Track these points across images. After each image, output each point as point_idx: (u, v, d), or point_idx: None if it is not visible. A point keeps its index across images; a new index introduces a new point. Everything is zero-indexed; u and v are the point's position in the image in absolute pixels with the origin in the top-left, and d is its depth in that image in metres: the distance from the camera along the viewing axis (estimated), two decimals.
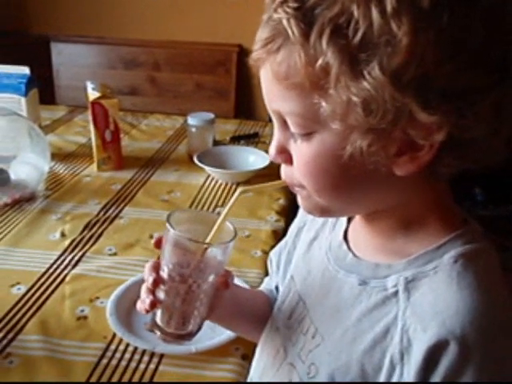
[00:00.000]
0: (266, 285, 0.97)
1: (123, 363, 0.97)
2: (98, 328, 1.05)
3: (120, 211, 1.52)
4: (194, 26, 2.94)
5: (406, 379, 0.55)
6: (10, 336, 1.02)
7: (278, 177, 0.65)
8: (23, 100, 1.84)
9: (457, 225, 0.60)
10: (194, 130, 1.85)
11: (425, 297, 0.56)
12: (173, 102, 2.94)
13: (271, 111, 0.59)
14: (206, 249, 0.70)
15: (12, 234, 1.37)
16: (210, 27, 2.92)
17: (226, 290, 0.76)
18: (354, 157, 0.53)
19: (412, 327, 0.55)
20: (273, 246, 0.94)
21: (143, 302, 0.72)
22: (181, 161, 1.89)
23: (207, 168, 1.72)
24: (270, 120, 0.62)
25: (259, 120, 2.30)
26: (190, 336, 0.76)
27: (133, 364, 0.97)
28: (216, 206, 1.57)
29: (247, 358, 0.97)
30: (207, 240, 0.71)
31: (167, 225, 0.69)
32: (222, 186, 1.69)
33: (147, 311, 0.72)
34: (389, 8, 0.46)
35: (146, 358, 0.98)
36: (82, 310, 1.10)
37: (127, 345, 1.01)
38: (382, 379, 0.57)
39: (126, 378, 0.94)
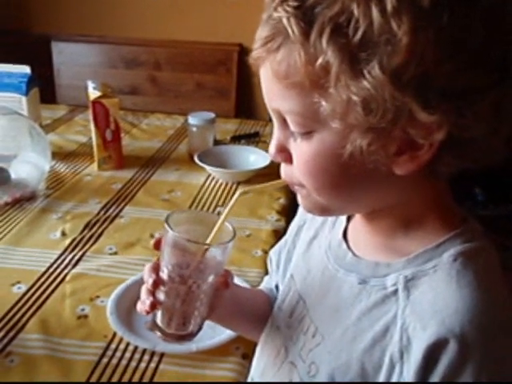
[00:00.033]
0: (266, 284, 0.97)
1: (123, 362, 0.97)
2: (98, 327, 1.05)
3: (120, 210, 1.53)
4: (194, 26, 2.93)
5: (405, 378, 0.55)
6: (11, 335, 1.02)
7: (279, 176, 0.65)
8: (24, 99, 1.85)
9: (456, 223, 0.60)
10: (194, 129, 1.85)
11: (424, 295, 0.56)
12: (173, 102, 2.94)
13: (271, 110, 0.59)
14: (207, 250, 0.70)
15: (12, 233, 1.38)
16: (211, 27, 2.92)
17: (226, 289, 0.76)
18: (354, 156, 0.53)
19: (411, 326, 0.55)
20: (273, 246, 0.94)
21: (143, 303, 0.72)
22: (181, 160, 1.89)
23: (208, 167, 1.72)
24: (271, 119, 0.62)
25: (260, 119, 2.30)
26: (190, 336, 0.76)
27: (133, 363, 0.97)
28: (217, 206, 1.57)
29: (247, 357, 0.97)
30: (207, 241, 0.71)
31: (166, 226, 0.69)
32: (223, 186, 1.69)
33: (147, 312, 0.72)
34: (389, 7, 0.46)
35: (146, 357, 0.98)
36: (83, 309, 1.10)
37: (127, 344, 1.01)
38: (381, 378, 0.57)
39: (126, 377, 0.94)
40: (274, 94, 0.57)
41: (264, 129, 2.16)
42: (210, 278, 0.73)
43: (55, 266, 1.24)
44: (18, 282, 1.18)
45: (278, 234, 1.40)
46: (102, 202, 1.56)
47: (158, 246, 0.73)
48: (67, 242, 1.34)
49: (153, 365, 0.97)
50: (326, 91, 0.51)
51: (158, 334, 0.75)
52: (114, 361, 0.97)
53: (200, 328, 0.76)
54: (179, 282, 0.72)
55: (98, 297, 1.14)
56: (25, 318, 1.07)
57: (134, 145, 2.02)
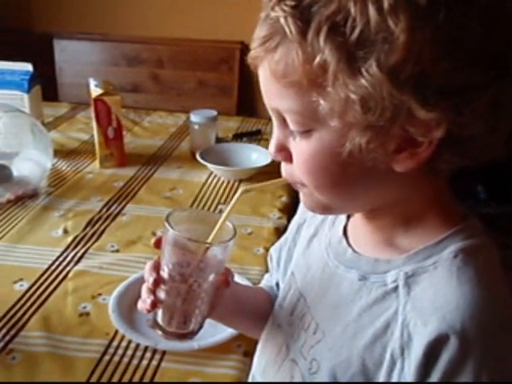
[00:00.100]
0: (266, 281, 0.97)
1: (125, 360, 0.97)
2: (100, 324, 1.06)
3: (122, 208, 1.53)
4: (196, 24, 2.93)
5: (406, 374, 0.55)
6: (13, 332, 1.02)
7: (281, 174, 0.66)
8: (26, 97, 1.85)
9: (456, 220, 0.60)
10: (196, 127, 1.85)
11: (425, 292, 0.56)
12: (175, 99, 2.94)
13: (270, 109, 0.59)
14: (207, 248, 0.70)
15: (15, 230, 1.38)
16: (213, 24, 2.91)
17: (226, 288, 0.76)
18: (353, 154, 0.53)
19: (412, 322, 0.55)
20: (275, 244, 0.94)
21: (144, 301, 0.73)
22: (183, 158, 1.89)
23: (210, 165, 1.72)
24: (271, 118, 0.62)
25: (262, 117, 2.30)
26: (191, 335, 0.76)
27: (135, 361, 0.97)
28: (218, 203, 1.57)
29: (249, 354, 0.97)
30: (209, 239, 0.71)
31: (166, 225, 0.69)
32: (225, 184, 1.69)
33: (148, 311, 0.72)
34: (386, 5, 0.46)
35: (148, 355, 0.99)
36: (85, 307, 1.10)
37: (129, 341, 1.01)
38: (382, 374, 0.57)
39: (128, 375, 0.94)
40: (272, 94, 0.57)
41: (266, 127, 2.15)
42: (211, 277, 0.73)
43: (57, 263, 1.25)
44: (20, 280, 1.18)
45: (280, 232, 1.40)
46: (104, 200, 1.56)
47: (158, 244, 0.73)
48: (69, 239, 1.34)
49: (154, 362, 0.97)
50: (324, 90, 0.51)
51: (159, 332, 0.75)
52: (116, 358, 0.98)
53: (201, 326, 0.76)
54: (180, 280, 0.72)
55: (99, 294, 1.14)
56: (27, 316, 1.07)
57: (135, 142, 2.02)
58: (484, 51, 0.48)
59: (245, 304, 0.85)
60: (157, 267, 0.73)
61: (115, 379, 0.93)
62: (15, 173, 1.58)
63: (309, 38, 0.49)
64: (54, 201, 1.55)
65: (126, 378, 0.94)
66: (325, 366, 0.63)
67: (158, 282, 0.72)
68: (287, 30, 0.51)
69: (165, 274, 0.72)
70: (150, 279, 0.72)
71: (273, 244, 0.95)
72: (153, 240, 0.76)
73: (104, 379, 0.93)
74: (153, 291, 0.72)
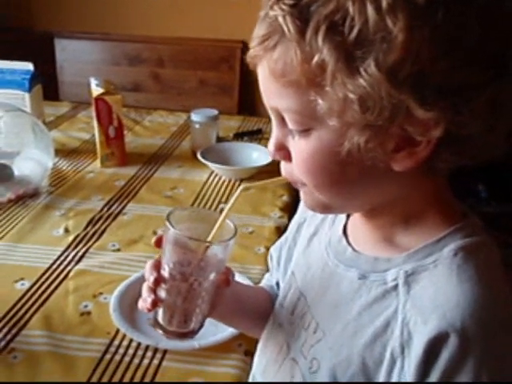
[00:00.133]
0: (267, 281, 0.97)
1: (126, 359, 0.97)
2: (101, 323, 1.06)
3: (123, 207, 1.53)
4: (197, 23, 2.93)
5: (406, 372, 0.55)
6: (14, 331, 1.02)
7: (281, 173, 0.66)
8: (27, 96, 1.85)
9: (456, 218, 0.60)
10: (197, 126, 1.85)
11: (425, 290, 0.56)
12: (176, 99, 2.94)
13: (269, 108, 0.60)
14: (208, 247, 0.70)
15: (16, 229, 1.38)
16: (214, 24, 2.92)
17: (227, 287, 0.76)
18: (352, 153, 0.53)
19: (412, 320, 0.55)
20: None
21: (145, 300, 0.73)
22: (184, 157, 1.89)
23: (211, 164, 1.72)
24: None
25: (263, 116, 2.29)
26: (191, 334, 0.76)
27: (136, 360, 0.97)
28: (219, 203, 1.57)
29: (250, 354, 0.97)
30: (209, 238, 0.71)
31: (167, 223, 0.69)
32: (226, 183, 1.69)
33: (149, 310, 0.72)
34: (384, 4, 0.46)
35: (149, 354, 0.99)
36: (86, 306, 1.10)
37: (130, 340, 1.01)
38: (382, 373, 0.57)
39: (129, 374, 0.94)
40: (271, 93, 0.57)
41: (267, 126, 2.14)
42: (211, 276, 0.73)
43: (58, 262, 1.25)
44: (22, 279, 1.18)
45: (281, 231, 1.39)
46: (105, 199, 1.57)
47: (158, 243, 0.73)
48: (70, 238, 1.34)
49: (155, 361, 0.97)
50: (323, 89, 0.51)
51: (160, 331, 0.75)
52: (117, 357, 0.98)
53: (201, 325, 0.77)
54: (180, 279, 0.72)
55: (101, 293, 1.14)
56: (28, 315, 1.07)
57: (136, 142, 2.02)
58: (482, 50, 0.48)
59: (245, 303, 0.85)
60: (157, 266, 0.73)
61: (116, 378, 0.93)
62: (16, 172, 1.58)
63: (307, 37, 0.49)
64: (55, 200, 1.55)
65: (127, 378, 0.94)
66: (325, 365, 0.64)
67: (158, 280, 0.72)
68: (285, 29, 0.51)
69: (165, 272, 0.72)
70: (150, 278, 0.72)
71: (274, 243, 0.95)
72: (153, 239, 0.76)
73: (105, 378, 0.93)
74: (153, 290, 0.72)
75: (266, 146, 1.81)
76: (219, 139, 1.93)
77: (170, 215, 0.71)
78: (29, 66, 1.88)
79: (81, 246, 1.32)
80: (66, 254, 1.28)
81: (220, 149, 1.85)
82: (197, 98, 2.89)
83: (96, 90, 1.72)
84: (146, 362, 0.97)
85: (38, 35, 2.93)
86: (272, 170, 1.57)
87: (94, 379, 0.92)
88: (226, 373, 0.95)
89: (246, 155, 1.82)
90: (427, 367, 0.53)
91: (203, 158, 1.73)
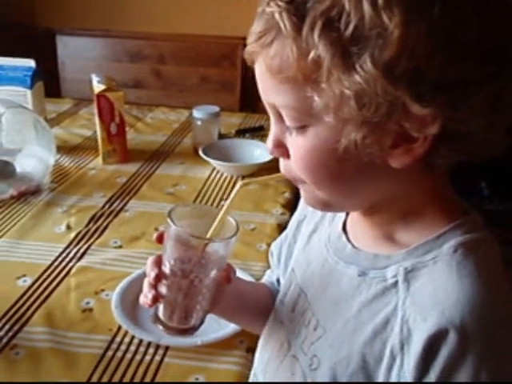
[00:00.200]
0: (268, 277, 0.97)
1: (128, 355, 0.98)
2: (103, 320, 1.06)
3: (125, 204, 1.53)
4: (199, 19, 2.93)
5: (406, 369, 0.55)
6: (16, 328, 1.02)
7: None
8: (29, 93, 1.85)
9: (457, 215, 0.60)
10: (199, 123, 1.85)
11: (425, 287, 0.56)
12: (178, 95, 2.94)
13: (267, 104, 0.60)
14: (206, 244, 0.70)
15: (18, 226, 1.38)
16: (215, 20, 2.91)
17: (228, 284, 0.76)
18: (349, 150, 0.53)
19: (412, 317, 0.55)
20: None
21: (145, 296, 0.73)
22: (186, 154, 1.89)
23: (212, 161, 1.72)
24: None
25: (264, 113, 2.26)
26: (192, 330, 0.76)
27: (138, 356, 0.97)
28: (221, 199, 1.57)
29: (252, 350, 0.97)
30: (209, 233, 0.71)
31: (168, 220, 0.69)
32: (228, 179, 1.69)
33: (150, 306, 0.72)
34: (380, 0, 0.45)
35: (151, 351, 0.99)
36: (88, 303, 1.11)
37: (132, 337, 1.01)
38: (382, 370, 0.57)
39: (131, 371, 0.94)
40: (268, 89, 0.57)
41: (269, 123, 2.10)
42: (213, 273, 0.73)
43: (60, 259, 1.25)
44: (24, 276, 1.18)
45: (283, 228, 1.39)
46: (107, 196, 1.57)
47: (160, 239, 0.73)
48: (72, 235, 1.35)
49: (157, 358, 0.97)
50: (319, 86, 0.51)
51: (160, 327, 0.75)
52: (119, 354, 0.98)
53: (202, 322, 0.77)
54: (181, 276, 0.72)
55: (102, 290, 1.15)
56: (30, 311, 1.07)
57: (138, 138, 2.02)
58: (480, 45, 0.47)
59: (247, 300, 0.85)
60: (158, 262, 0.73)
61: (118, 375, 0.93)
62: (18, 169, 1.58)
63: (303, 34, 0.49)
64: (56, 197, 1.55)
65: (128, 374, 0.94)
66: (325, 363, 0.63)
67: (159, 276, 0.72)
68: (282, 26, 0.51)
69: (166, 269, 0.72)
70: (151, 274, 0.73)
71: (275, 240, 0.95)
72: (155, 235, 0.76)
73: (107, 375, 0.93)
74: (154, 286, 0.73)
75: None
76: (221, 136, 1.93)
77: (172, 212, 0.71)
78: (30, 63, 1.88)
79: (83, 242, 1.32)
80: (67, 250, 1.28)
81: (222, 145, 1.85)
82: (198, 94, 2.89)
83: (98, 87, 1.72)
84: (147, 358, 0.97)
85: (40, 32, 2.93)
86: (274, 166, 1.55)
87: (96, 376, 0.93)
88: (227, 369, 0.95)
89: (248, 152, 1.82)
90: (427, 364, 0.53)
91: (205, 154, 1.73)
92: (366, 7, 0.46)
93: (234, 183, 1.66)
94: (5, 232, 1.35)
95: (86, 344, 1.00)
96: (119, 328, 1.03)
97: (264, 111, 0.62)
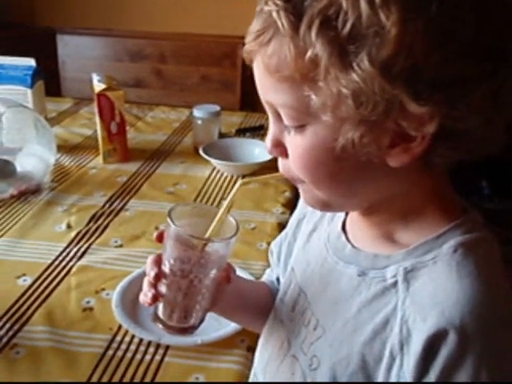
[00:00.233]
0: (268, 276, 0.97)
1: (129, 355, 0.98)
2: (103, 319, 1.06)
3: (126, 203, 1.53)
4: (199, 19, 2.93)
5: (405, 370, 0.55)
6: (17, 327, 1.02)
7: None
8: (29, 92, 1.85)
9: (456, 214, 0.59)
10: (199, 122, 1.85)
11: (424, 287, 0.56)
12: (178, 95, 2.94)
13: (265, 103, 0.60)
14: (205, 244, 0.70)
15: (18, 225, 1.38)
16: (216, 19, 2.91)
17: (228, 284, 0.76)
18: (347, 149, 0.53)
19: (411, 317, 0.55)
20: None
21: (145, 295, 0.73)
22: (186, 153, 1.89)
23: (213, 160, 1.72)
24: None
25: (265, 112, 2.26)
26: (192, 329, 0.76)
27: (138, 355, 0.97)
28: (222, 199, 1.56)
29: (252, 349, 0.97)
30: (208, 232, 0.70)
31: (168, 220, 0.69)
32: (228, 179, 1.69)
33: (149, 304, 0.72)
34: None
35: (151, 350, 0.99)
36: (88, 302, 1.11)
37: (133, 336, 1.01)
38: (382, 370, 0.57)
39: (131, 370, 0.94)
40: (266, 88, 0.57)
41: (269, 122, 2.13)
42: (212, 273, 0.72)
43: (60, 258, 1.25)
44: (24, 275, 1.18)
45: (283, 227, 1.39)
46: (107, 195, 1.57)
47: (160, 238, 0.73)
48: (72, 234, 1.35)
49: (158, 357, 0.97)
50: (316, 84, 0.51)
51: (160, 326, 0.75)
52: (119, 353, 0.98)
53: (201, 321, 0.77)
54: (181, 275, 0.72)
55: (103, 289, 1.15)
56: (30, 311, 1.07)
57: (139, 138, 2.02)
58: (477, 43, 0.47)
59: (247, 298, 0.85)
60: (158, 261, 0.73)
61: (118, 374, 0.93)
62: (18, 168, 1.58)
63: (301, 33, 0.49)
64: (57, 196, 1.55)
65: (129, 373, 0.94)
66: (325, 363, 0.63)
67: (159, 276, 0.72)
68: (279, 25, 0.51)
69: (166, 268, 0.72)
70: (151, 273, 0.73)
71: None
72: (155, 234, 0.76)
73: (107, 374, 0.93)
74: (154, 285, 0.73)
75: None
76: (221, 135, 1.93)
77: (172, 211, 0.70)
78: (31, 62, 1.88)
79: (83, 241, 1.32)
80: (68, 249, 1.28)
81: (222, 145, 1.85)
82: (199, 93, 2.89)
83: (98, 86, 1.72)
84: (148, 357, 0.97)
85: (41, 31, 2.93)
86: (274, 166, 1.55)
87: (96, 375, 0.93)
88: (228, 369, 0.95)
89: (248, 151, 1.81)
90: (426, 364, 0.53)
91: (205, 153, 1.73)
92: (363, 6, 0.46)
93: (235, 182, 1.66)
94: (5, 231, 1.35)
95: (86, 343, 1.00)
96: (119, 327, 1.03)
97: (264, 110, 0.62)
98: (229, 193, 1.59)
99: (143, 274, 0.76)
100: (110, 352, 0.98)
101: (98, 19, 3.01)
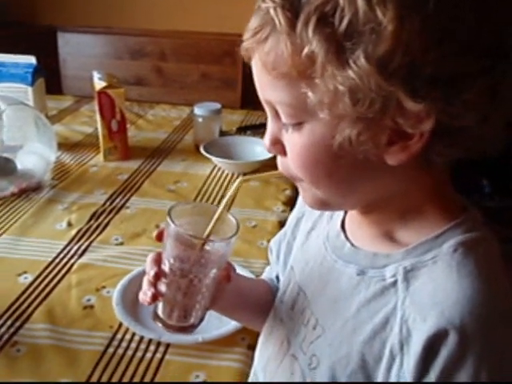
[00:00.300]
0: (267, 274, 0.97)
1: (129, 352, 0.98)
2: (104, 317, 1.06)
3: (126, 201, 1.53)
4: (200, 16, 2.93)
5: (405, 370, 0.54)
6: (17, 324, 1.02)
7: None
8: (30, 89, 1.85)
9: (456, 213, 0.59)
10: (200, 120, 1.85)
11: (424, 286, 0.56)
12: (179, 93, 2.94)
13: (263, 101, 0.59)
14: (204, 243, 0.70)
15: (19, 223, 1.38)
16: (217, 17, 2.91)
17: (228, 283, 0.76)
18: (344, 146, 0.53)
19: (411, 317, 0.55)
20: None
21: (145, 294, 0.73)
22: (187, 151, 1.89)
23: (214, 158, 1.72)
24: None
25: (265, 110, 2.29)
26: (191, 328, 0.76)
27: (139, 353, 0.97)
28: (222, 197, 1.56)
29: (253, 348, 0.97)
30: (207, 230, 0.70)
31: (168, 219, 0.69)
32: (229, 177, 1.69)
33: (149, 303, 0.72)
34: None
35: (152, 348, 0.99)
36: (89, 300, 1.11)
37: (133, 334, 1.01)
38: (382, 370, 0.57)
39: (132, 368, 0.94)
40: (264, 85, 0.57)
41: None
42: (212, 272, 0.72)
43: (61, 256, 1.25)
44: (25, 272, 1.18)
45: (284, 226, 1.39)
46: (108, 193, 1.57)
47: (160, 237, 0.73)
48: (73, 232, 1.35)
49: (158, 355, 0.97)
50: (313, 81, 0.51)
51: (160, 324, 0.75)
52: (120, 351, 0.98)
53: (201, 320, 0.76)
54: (180, 275, 0.71)
55: (103, 287, 1.15)
56: (31, 308, 1.07)
57: (139, 135, 2.02)
58: (476, 41, 0.47)
59: (247, 297, 0.85)
60: (158, 260, 0.73)
61: (119, 372, 0.93)
62: (19, 166, 1.58)
63: (297, 30, 0.49)
64: (57, 194, 1.55)
65: (129, 371, 0.94)
66: (324, 362, 0.63)
67: (158, 275, 0.72)
68: (276, 22, 0.51)
69: (166, 267, 0.72)
70: (151, 272, 0.72)
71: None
72: (155, 232, 0.75)
73: (108, 372, 0.93)
74: (154, 284, 0.72)
75: None
76: (222, 133, 1.93)
77: (172, 210, 0.70)
78: (32, 60, 1.88)
79: (84, 239, 1.32)
80: (68, 247, 1.28)
81: (223, 143, 1.84)
82: (200, 91, 2.89)
83: (99, 84, 1.72)
84: (148, 355, 0.97)
85: (41, 29, 2.93)
86: (275, 164, 1.55)
87: (97, 373, 0.93)
88: (229, 367, 0.95)
89: (249, 149, 1.81)
90: (426, 364, 0.53)
91: (206, 151, 1.73)
92: (360, 2, 0.46)
93: (236, 181, 1.66)
94: (6, 229, 1.35)
95: (86, 341, 1.00)
96: (120, 325, 1.03)
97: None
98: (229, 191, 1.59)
99: (144, 272, 0.76)
100: (111, 350, 0.98)
101: (99, 17, 3.01)
